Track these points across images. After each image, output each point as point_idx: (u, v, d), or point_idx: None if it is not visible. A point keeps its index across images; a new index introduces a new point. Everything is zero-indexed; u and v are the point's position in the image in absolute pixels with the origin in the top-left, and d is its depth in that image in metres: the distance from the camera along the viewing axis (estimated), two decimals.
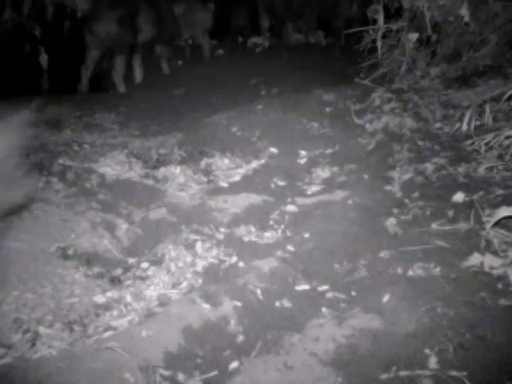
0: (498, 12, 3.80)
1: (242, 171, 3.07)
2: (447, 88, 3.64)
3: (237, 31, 6.84)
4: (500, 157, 2.66)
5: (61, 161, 3.04)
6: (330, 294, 1.93)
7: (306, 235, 2.28)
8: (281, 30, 6.90)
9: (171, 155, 3.25)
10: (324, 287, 1.97)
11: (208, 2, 5.92)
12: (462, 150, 2.83)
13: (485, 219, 2.09)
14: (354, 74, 4.51)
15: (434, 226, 2.20)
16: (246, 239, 2.33)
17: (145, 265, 2.19)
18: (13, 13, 4.81)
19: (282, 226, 2.43)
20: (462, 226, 2.15)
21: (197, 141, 3.39)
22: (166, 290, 2.00)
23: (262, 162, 3.15)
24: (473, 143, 2.86)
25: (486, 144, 2.78)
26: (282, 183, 2.87)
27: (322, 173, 2.92)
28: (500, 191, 2.35)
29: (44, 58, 4.86)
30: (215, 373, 1.57)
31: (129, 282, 2.08)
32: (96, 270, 2.14)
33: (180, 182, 2.93)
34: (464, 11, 3.68)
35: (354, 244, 2.18)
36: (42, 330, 1.77)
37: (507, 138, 2.75)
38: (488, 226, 2.04)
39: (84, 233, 2.34)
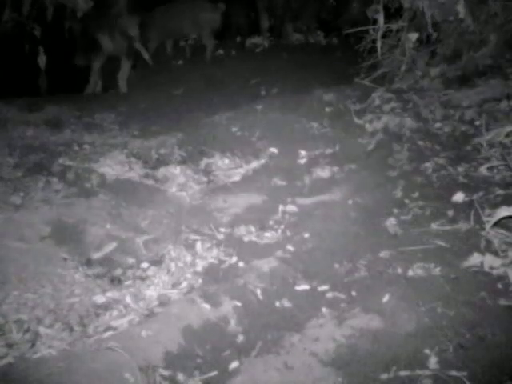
0: (498, 12, 3.79)
1: (242, 171, 3.07)
2: (447, 88, 3.63)
3: (237, 31, 6.83)
4: (500, 157, 2.65)
5: (61, 161, 3.04)
6: (329, 294, 1.93)
7: (306, 235, 2.28)
8: (281, 30, 6.90)
9: (171, 155, 3.25)
10: (324, 287, 1.97)
11: (218, 2, 5.89)
12: (461, 150, 2.83)
13: (485, 219, 2.09)
14: (353, 73, 4.51)
15: (434, 226, 2.20)
16: (245, 239, 2.33)
17: (145, 265, 2.19)
18: (13, 13, 4.80)
19: (282, 226, 2.42)
20: (462, 226, 2.15)
21: (197, 141, 3.39)
22: (166, 290, 2.00)
23: (262, 161, 3.15)
24: (473, 143, 2.86)
25: (486, 144, 2.78)
26: (281, 183, 2.87)
27: (322, 173, 2.91)
28: (500, 191, 2.34)
29: (42, 59, 4.85)
30: (215, 373, 1.57)
31: (129, 282, 2.08)
32: (96, 270, 2.14)
33: (180, 182, 2.93)
34: (460, 7, 3.66)
35: (354, 244, 2.18)
36: (42, 329, 1.77)
37: (507, 137, 2.75)
38: (488, 226, 2.04)
39: None
